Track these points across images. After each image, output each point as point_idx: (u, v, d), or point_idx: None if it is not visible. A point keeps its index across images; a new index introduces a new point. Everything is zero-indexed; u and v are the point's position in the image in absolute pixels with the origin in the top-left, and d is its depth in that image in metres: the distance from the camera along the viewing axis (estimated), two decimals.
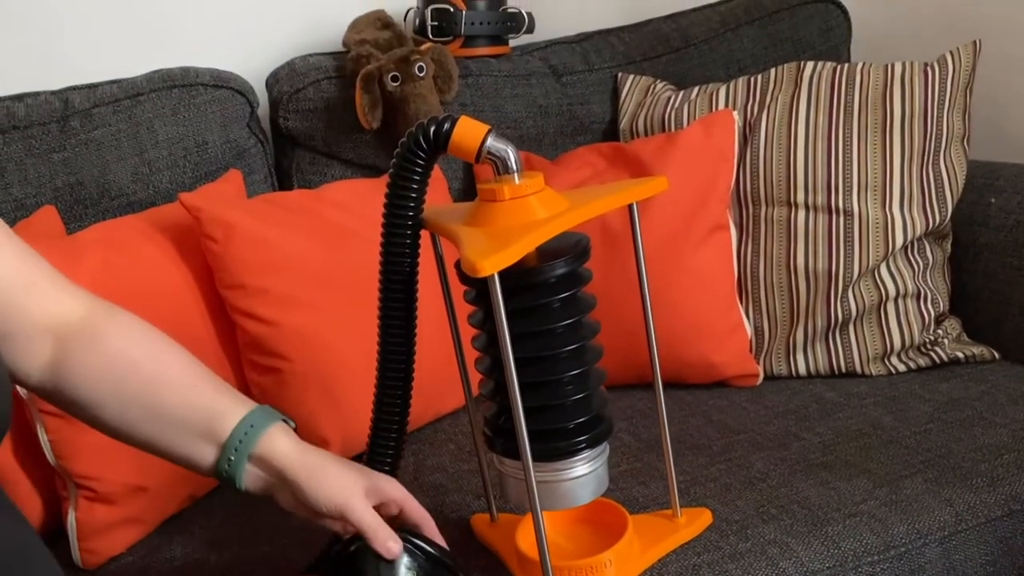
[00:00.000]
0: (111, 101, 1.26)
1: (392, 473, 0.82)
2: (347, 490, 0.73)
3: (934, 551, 0.90)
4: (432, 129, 0.71)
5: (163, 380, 0.75)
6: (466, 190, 1.43)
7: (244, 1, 1.49)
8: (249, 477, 0.75)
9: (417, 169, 0.73)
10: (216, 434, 0.74)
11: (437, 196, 1.33)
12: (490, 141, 0.71)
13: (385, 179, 0.77)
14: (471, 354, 0.84)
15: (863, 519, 0.90)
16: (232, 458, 0.74)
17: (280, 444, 0.74)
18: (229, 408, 0.75)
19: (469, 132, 0.71)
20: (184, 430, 0.74)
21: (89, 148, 1.23)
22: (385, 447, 0.82)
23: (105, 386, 0.74)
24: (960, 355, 1.23)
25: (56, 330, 0.75)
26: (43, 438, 1.02)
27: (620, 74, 1.49)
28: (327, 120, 1.36)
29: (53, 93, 1.26)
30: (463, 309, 0.83)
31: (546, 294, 0.74)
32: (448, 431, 1.22)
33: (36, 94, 1.25)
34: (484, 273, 0.64)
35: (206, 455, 0.75)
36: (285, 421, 0.77)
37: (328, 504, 0.73)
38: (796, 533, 0.89)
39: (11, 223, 1.19)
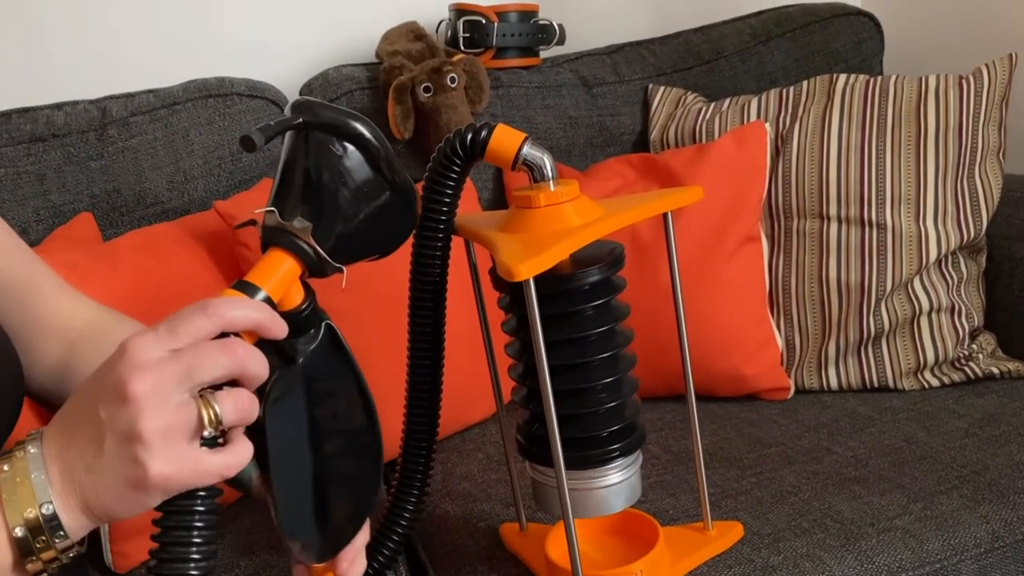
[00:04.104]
0: (148, 110, 1.28)
1: (425, 475, 0.82)
2: None
3: (970, 568, 0.89)
4: (470, 136, 0.71)
5: None
6: (496, 200, 1.44)
7: (279, 12, 1.51)
8: None
9: (452, 175, 0.73)
10: None
11: (467, 205, 1.33)
12: (526, 149, 0.71)
13: (418, 188, 0.78)
14: (503, 361, 0.84)
15: (897, 534, 0.89)
16: None
17: None
18: None
19: (506, 139, 0.71)
20: None
21: (126, 156, 1.25)
22: (416, 453, 0.82)
23: None
24: (995, 371, 1.21)
25: (64, 331, 0.74)
26: None
27: (651, 86, 1.50)
28: None
29: (91, 102, 1.28)
30: (495, 316, 0.83)
31: (580, 301, 0.74)
32: (476, 440, 1.22)
33: (75, 103, 1.27)
34: (520, 277, 0.65)
35: None
36: None
37: None
38: (829, 547, 0.88)
39: (49, 229, 1.21)
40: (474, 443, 1.22)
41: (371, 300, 1.17)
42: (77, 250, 1.12)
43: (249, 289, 0.55)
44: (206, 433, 0.49)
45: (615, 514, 0.82)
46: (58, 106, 1.26)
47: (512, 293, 0.76)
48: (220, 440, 0.51)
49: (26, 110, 1.24)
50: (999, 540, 0.90)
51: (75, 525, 0.49)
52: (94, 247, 1.15)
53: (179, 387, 0.48)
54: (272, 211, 0.56)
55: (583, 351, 0.75)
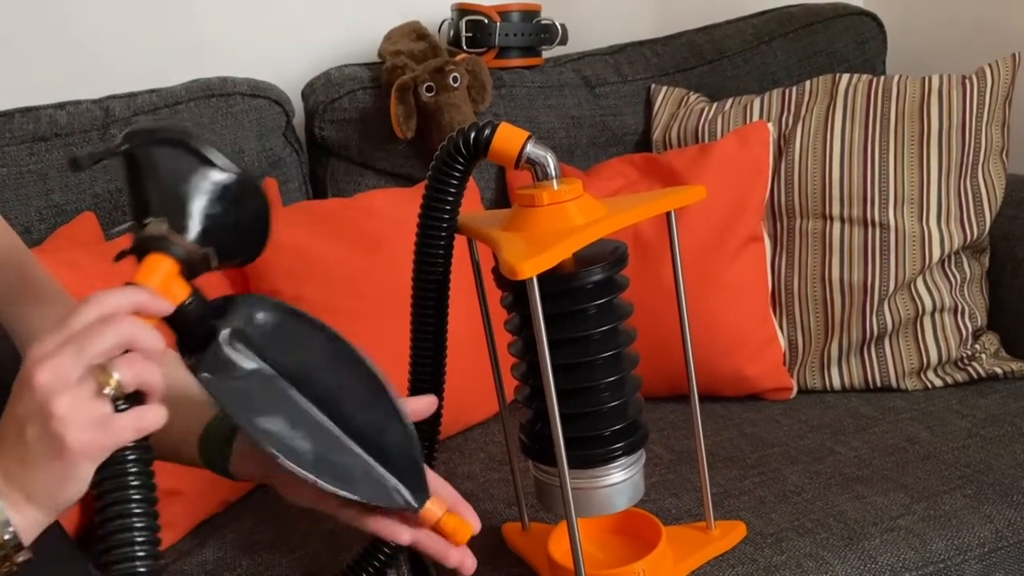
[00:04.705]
0: (150, 110, 1.28)
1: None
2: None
3: (973, 568, 0.89)
4: (473, 135, 0.71)
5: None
6: (498, 199, 1.44)
7: (281, 12, 1.51)
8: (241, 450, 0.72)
9: (456, 174, 0.73)
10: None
11: (470, 204, 1.33)
12: (529, 147, 0.71)
13: (419, 188, 0.78)
14: (505, 360, 0.84)
15: (901, 534, 0.89)
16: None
17: None
18: None
19: (509, 138, 0.71)
20: (186, 401, 0.71)
21: None
22: None
23: None
24: (998, 371, 1.21)
25: None
26: None
27: (653, 86, 1.49)
28: (362, 130, 1.37)
29: (94, 102, 1.28)
30: (497, 315, 0.83)
31: (583, 300, 0.74)
32: (479, 440, 1.22)
33: (77, 103, 1.27)
34: (523, 276, 0.65)
35: (202, 416, 0.73)
36: None
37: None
38: (832, 547, 0.88)
39: (51, 229, 1.21)
40: (476, 442, 1.22)
41: (374, 299, 1.17)
42: (79, 250, 1.12)
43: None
44: (108, 392, 0.53)
45: (618, 513, 0.82)
46: (60, 105, 1.26)
47: (515, 292, 0.76)
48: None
49: (29, 109, 1.24)
50: (1003, 540, 0.90)
51: (25, 521, 0.53)
52: (96, 247, 1.15)
53: (76, 364, 0.52)
54: (130, 225, 0.61)
55: (586, 350, 0.75)
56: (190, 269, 0.60)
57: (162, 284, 0.59)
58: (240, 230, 0.64)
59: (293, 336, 0.65)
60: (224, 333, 0.62)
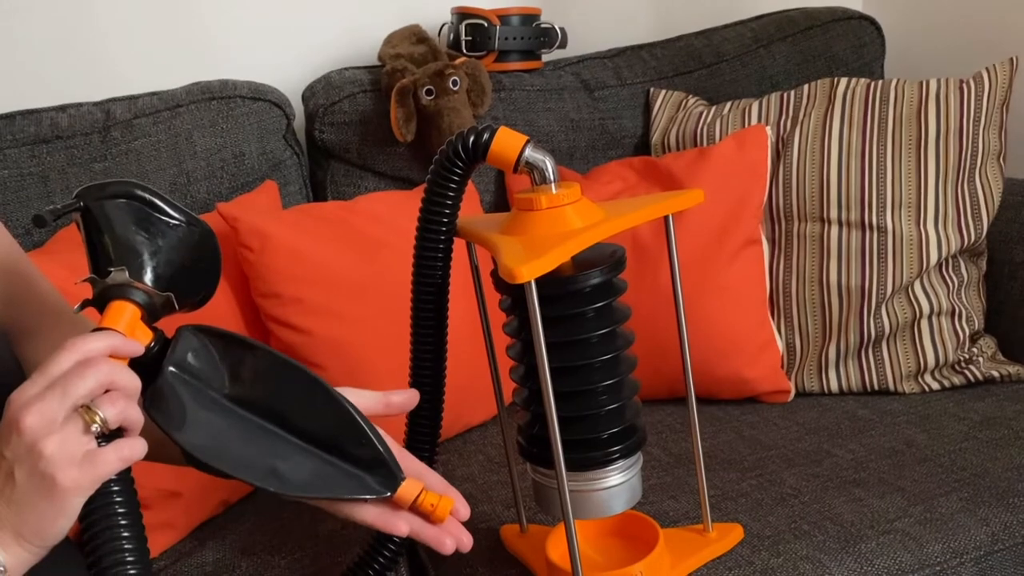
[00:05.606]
0: (151, 112, 1.28)
1: None
2: None
3: (969, 571, 0.89)
4: (472, 139, 0.72)
5: None
6: (497, 203, 1.44)
7: (282, 15, 1.52)
8: None
9: (455, 177, 0.74)
10: None
11: (469, 208, 1.34)
12: (528, 151, 0.72)
13: (419, 191, 0.78)
14: (504, 363, 0.84)
15: (897, 537, 0.89)
16: None
17: None
18: None
19: (508, 142, 0.72)
20: None
21: (129, 158, 1.26)
22: (419, 455, 0.82)
23: None
24: (995, 374, 1.22)
25: None
26: None
27: (652, 89, 1.50)
28: (362, 133, 1.38)
29: (95, 104, 1.29)
30: (496, 318, 0.83)
31: (581, 303, 0.74)
32: (477, 442, 1.23)
33: (79, 105, 1.28)
34: (521, 280, 0.65)
35: None
36: None
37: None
38: (829, 550, 0.88)
39: (52, 231, 1.21)
40: (475, 445, 1.22)
41: (374, 301, 1.17)
42: (79, 251, 1.12)
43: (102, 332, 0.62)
44: (95, 429, 0.56)
45: (615, 516, 0.83)
46: (62, 108, 1.26)
47: (513, 295, 0.77)
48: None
49: (30, 112, 1.24)
50: (999, 543, 0.90)
51: (14, 560, 0.56)
52: None
53: (61, 406, 0.55)
54: (92, 278, 0.64)
55: (584, 353, 0.76)
56: (151, 313, 0.64)
57: (127, 328, 0.62)
58: (195, 273, 0.68)
59: (234, 359, 0.67)
60: (169, 367, 0.65)
